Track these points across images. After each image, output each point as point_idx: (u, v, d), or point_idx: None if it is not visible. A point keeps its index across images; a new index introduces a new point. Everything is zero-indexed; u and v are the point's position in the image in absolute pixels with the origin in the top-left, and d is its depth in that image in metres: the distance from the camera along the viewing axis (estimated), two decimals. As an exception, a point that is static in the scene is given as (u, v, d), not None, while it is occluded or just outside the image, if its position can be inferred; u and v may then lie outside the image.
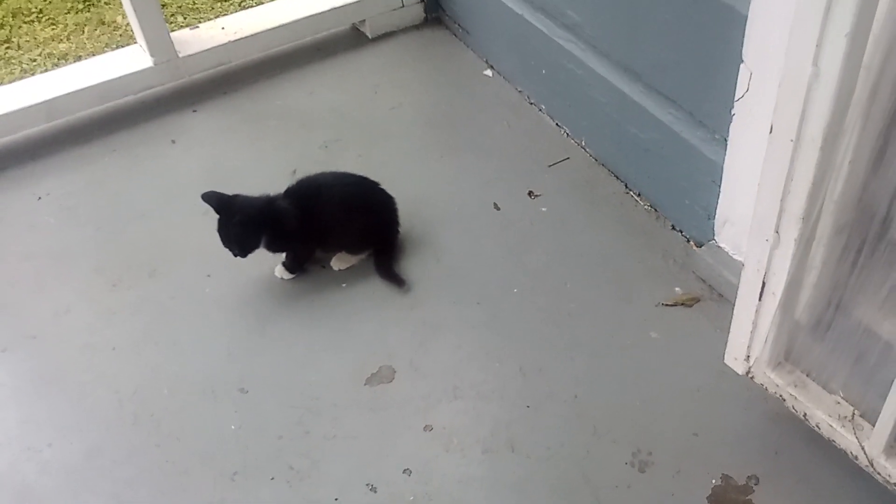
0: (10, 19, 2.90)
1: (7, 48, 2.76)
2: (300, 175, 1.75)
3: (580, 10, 1.79)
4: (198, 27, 2.47)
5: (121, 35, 2.77)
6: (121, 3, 2.76)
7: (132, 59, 2.30)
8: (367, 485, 1.36)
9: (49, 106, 2.19)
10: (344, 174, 1.75)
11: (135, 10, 2.18)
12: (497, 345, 1.57)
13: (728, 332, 1.38)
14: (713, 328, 1.52)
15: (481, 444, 1.41)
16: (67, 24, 2.85)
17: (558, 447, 1.39)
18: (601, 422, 1.42)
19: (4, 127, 2.18)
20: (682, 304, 1.59)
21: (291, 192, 1.69)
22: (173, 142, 2.19)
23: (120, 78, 2.26)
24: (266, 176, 1.89)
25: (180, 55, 2.30)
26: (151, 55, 2.26)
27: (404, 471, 1.37)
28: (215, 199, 1.61)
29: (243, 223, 1.59)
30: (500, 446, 1.40)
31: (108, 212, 1.97)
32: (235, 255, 1.64)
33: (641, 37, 1.62)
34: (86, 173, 2.09)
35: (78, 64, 2.38)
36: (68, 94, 2.21)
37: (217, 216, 1.62)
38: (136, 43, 2.35)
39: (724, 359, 1.40)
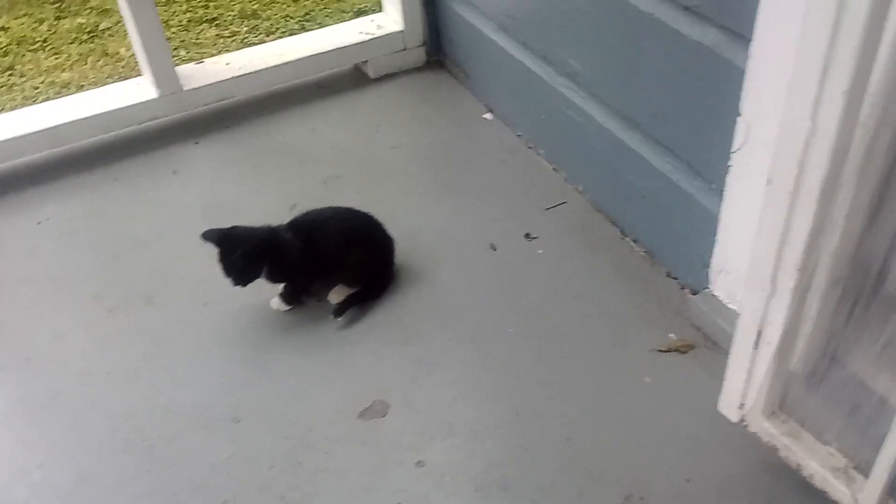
0: (15, 47, 2.94)
1: (10, 75, 2.80)
2: (300, 210, 1.77)
3: (581, 60, 1.84)
4: (203, 62, 2.52)
5: (123, 66, 2.81)
6: (124, 36, 2.82)
7: (137, 91, 2.34)
8: (359, 519, 1.36)
9: (53, 133, 2.22)
10: (347, 209, 1.78)
11: (142, 44, 2.22)
12: (491, 384, 1.58)
13: (722, 380, 1.39)
14: (707, 375, 1.53)
15: (474, 483, 1.40)
16: (71, 54, 2.89)
17: (551, 488, 1.39)
18: (594, 465, 1.42)
19: (8, 152, 2.20)
20: (677, 350, 1.60)
21: (295, 225, 1.71)
22: (175, 172, 2.21)
23: (124, 108, 2.30)
24: (266, 210, 1.91)
25: (185, 88, 2.34)
26: (156, 87, 2.30)
27: (396, 507, 1.37)
28: (215, 236, 1.62)
29: (247, 254, 1.61)
30: (493, 485, 1.40)
31: (108, 239, 1.99)
32: (235, 285, 1.65)
33: (640, 87, 1.66)
34: (87, 200, 2.11)
35: (83, 93, 2.41)
36: (72, 121, 2.24)
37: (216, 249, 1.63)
38: (140, 74, 2.39)
39: (717, 406, 1.42)
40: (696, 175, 1.59)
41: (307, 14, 3.04)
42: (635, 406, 1.52)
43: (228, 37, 2.96)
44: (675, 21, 1.48)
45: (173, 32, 2.95)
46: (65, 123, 2.23)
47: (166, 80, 2.30)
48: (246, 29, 2.99)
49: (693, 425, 1.47)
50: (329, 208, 1.78)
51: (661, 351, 1.61)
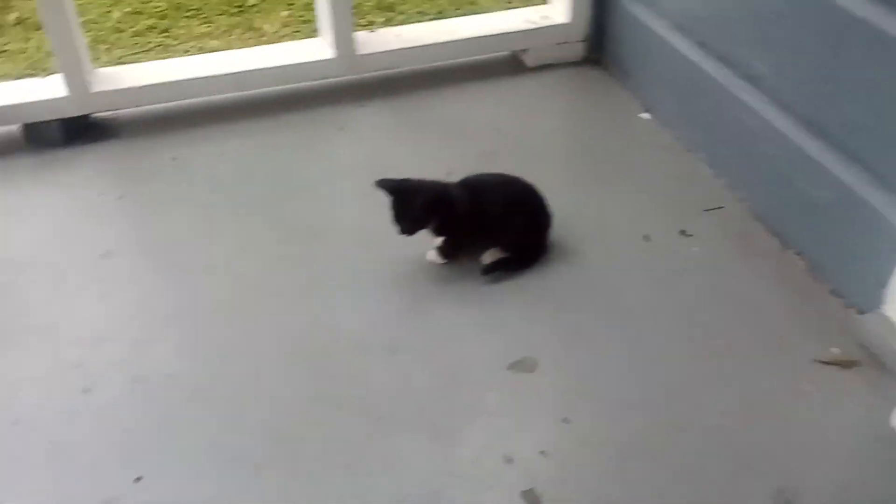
0: (172, 12, 3.15)
1: (166, 37, 3.00)
2: (456, 177, 1.82)
3: (769, 63, 1.82)
4: (377, 31, 2.63)
5: (265, 41, 2.95)
6: (269, 13, 2.99)
7: (316, 50, 2.47)
8: (504, 456, 1.38)
9: (238, 77, 2.38)
10: (514, 178, 1.81)
11: (330, 5, 2.34)
12: (641, 362, 1.58)
13: (890, 399, 1.34)
14: (872, 393, 1.48)
15: (618, 447, 1.41)
16: (220, 25, 3.07)
17: (698, 467, 1.38)
18: (745, 456, 1.40)
19: (198, 89, 2.38)
20: (839, 364, 1.55)
21: (465, 184, 1.77)
22: (341, 129, 2.33)
23: (303, 63, 2.44)
24: (423, 173, 1.96)
25: (358, 53, 2.45)
26: (334, 48, 2.42)
27: (541, 452, 1.39)
28: (390, 184, 1.70)
29: (424, 205, 1.67)
30: (638, 453, 1.40)
31: (279, 178, 2.12)
32: (401, 234, 1.70)
33: (837, 94, 1.62)
34: (262, 142, 2.26)
35: (268, 46, 2.57)
36: (257, 69, 2.40)
37: (388, 198, 1.69)
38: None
39: (890, 421, 1.36)
40: (889, 189, 1.53)
41: (440, 12, 3.11)
42: (791, 409, 1.48)
43: (364, 25, 3.06)
44: (893, 27, 1.45)
45: (312, 15, 3.09)
46: (250, 70, 2.39)
47: (344, 42, 2.41)
48: (382, 20, 3.07)
49: (853, 438, 1.42)
50: (498, 174, 1.82)
51: (821, 362, 1.56)
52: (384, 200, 1.71)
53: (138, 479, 1.36)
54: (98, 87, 2.29)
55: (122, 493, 1.34)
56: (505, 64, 2.62)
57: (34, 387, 1.56)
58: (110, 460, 1.41)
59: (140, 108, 2.41)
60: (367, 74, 2.52)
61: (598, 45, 2.58)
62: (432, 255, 1.81)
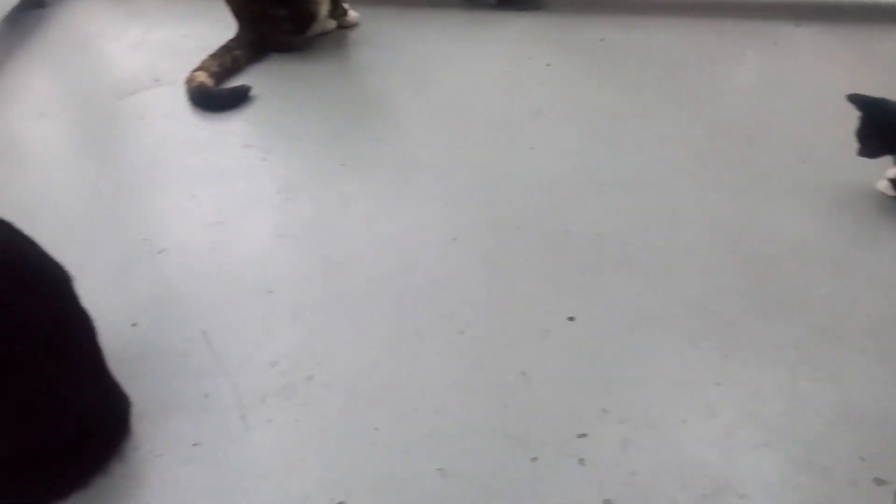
0: None
1: None
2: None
3: None
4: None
5: None
6: None
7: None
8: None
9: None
10: None
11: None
12: None
13: None
14: None
15: None
16: None
17: None
18: None
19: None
20: None
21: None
22: (774, 44, 2.23)
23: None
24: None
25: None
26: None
27: None
28: (865, 100, 1.59)
29: None
30: None
31: (708, 78, 2.10)
32: (861, 154, 1.60)
33: None
34: (692, 41, 2.24)
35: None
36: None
37: (859, 114, 1.59)
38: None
39: None
40: None
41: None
42: None
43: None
44: None
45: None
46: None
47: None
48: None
49: None
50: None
51: None
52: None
53: (571, 318, 1.43)
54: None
55: (556, 327, 1.41)
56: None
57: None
58: (546, 297, 1.48)
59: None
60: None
61: None
62: (884, 186, 1.67)
